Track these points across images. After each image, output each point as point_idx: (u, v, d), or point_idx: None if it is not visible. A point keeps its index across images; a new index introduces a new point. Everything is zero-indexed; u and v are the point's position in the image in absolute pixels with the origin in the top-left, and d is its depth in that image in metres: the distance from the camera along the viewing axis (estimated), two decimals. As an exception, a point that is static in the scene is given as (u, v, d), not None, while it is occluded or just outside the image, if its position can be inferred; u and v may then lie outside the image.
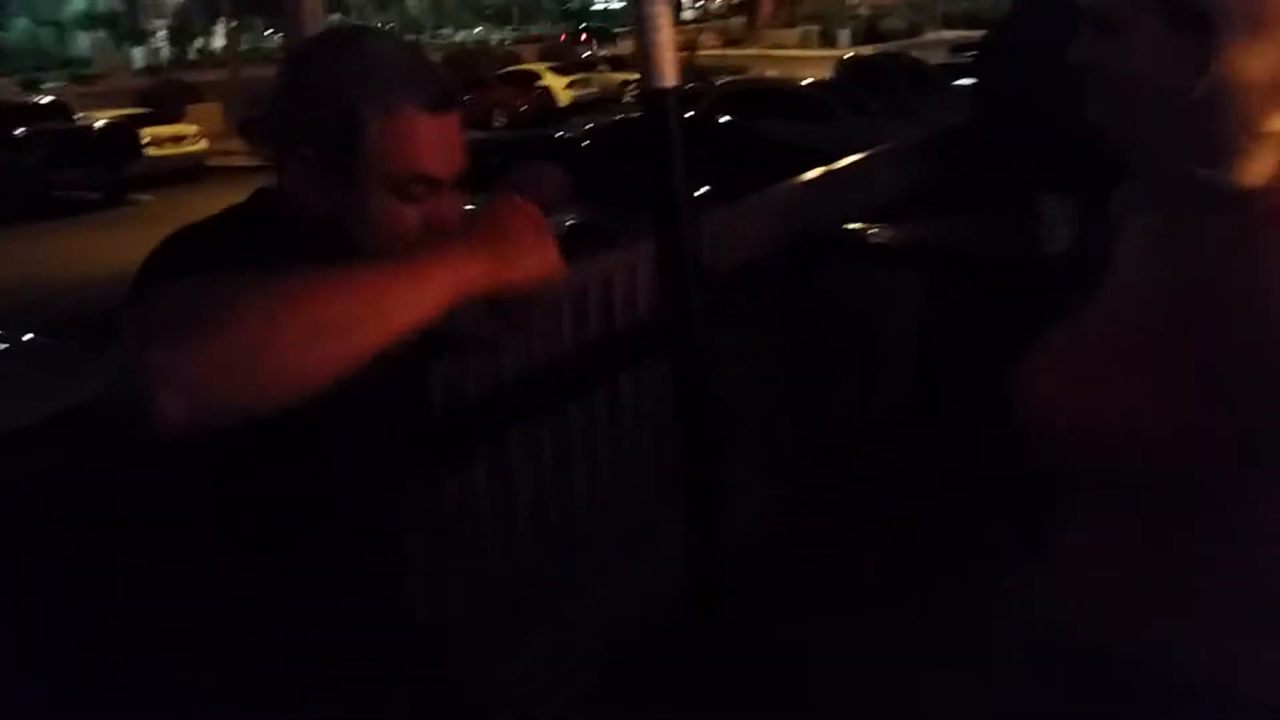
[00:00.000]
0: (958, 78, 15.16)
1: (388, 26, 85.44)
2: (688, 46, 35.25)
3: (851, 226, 4.06)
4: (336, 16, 73.92)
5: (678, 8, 63.99)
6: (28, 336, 5.63)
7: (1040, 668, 1.31)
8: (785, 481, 3.88)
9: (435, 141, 1.24)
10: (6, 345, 5.45)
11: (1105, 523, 1.24)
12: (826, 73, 19.93)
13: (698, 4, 73.81)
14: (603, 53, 35.57)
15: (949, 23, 49.46)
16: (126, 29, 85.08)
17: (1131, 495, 1.18)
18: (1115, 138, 1.18)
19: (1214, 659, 1.15)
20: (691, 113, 14.06)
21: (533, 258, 1.12)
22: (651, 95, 1.72)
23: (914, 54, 24.00)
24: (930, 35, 47.45)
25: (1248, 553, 1.13)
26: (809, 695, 2.77)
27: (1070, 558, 1.30)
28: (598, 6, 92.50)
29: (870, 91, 16.22)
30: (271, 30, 43.71)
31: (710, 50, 35.91)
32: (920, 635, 2.81)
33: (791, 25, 56.63)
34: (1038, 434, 1.24)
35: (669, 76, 1.71)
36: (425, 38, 76.25)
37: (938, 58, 24.13)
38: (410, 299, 1.02)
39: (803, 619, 3.05)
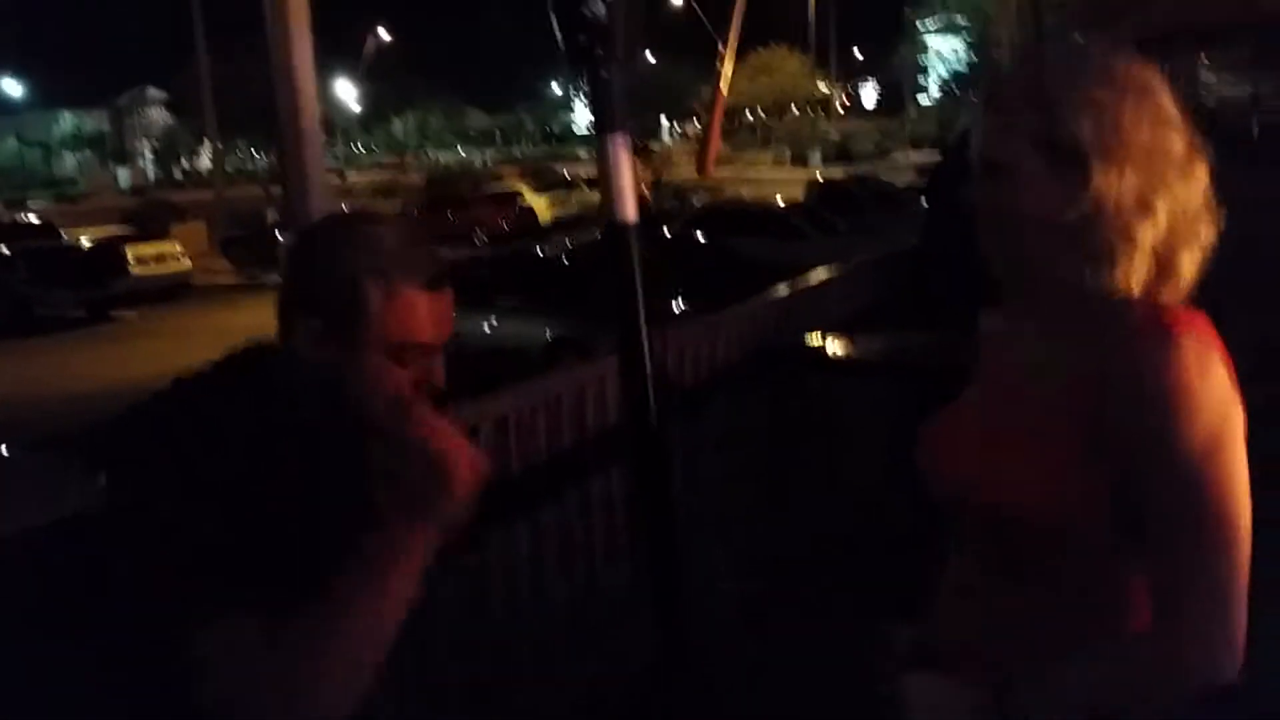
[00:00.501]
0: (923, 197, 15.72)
1: (372, 149, 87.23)
2: (659, 167, 36.21)
3: (811, 340, 4.33)
4: (322, 138, 75.10)
5: (656, 133, 65.82)
6: (4, 450, 5.71)
7: None
8: (751, 576, 4.05)
9: (429, 315, 1.40)
10: (-15, 459, 5.54)
11: (972, 568, 1.43)
12: (798, 191, 20.63)
13: (674, 128, 75.89)
14: (582, 173, 36.48)
15: (916, 144, 51.06)
16: (113, 149, 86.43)
17: (999, 546, 1.37)
18: (1004, 265, 1.36)
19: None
20: (667, 231, 14.59)
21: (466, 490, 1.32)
22: (614, 228, 1.98)
23: (881, 176, 24.86)
24: (898, 156, 48.94)
25: (1098, 597, 1.33)
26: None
27: (945, 605, 1.49)
28: (578, 129, 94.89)
29: (838, 212, 16.79)
30: (256, 151, 44.59)
31: (686, 172, 36.88)
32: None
33: (766, 145, 58.29)
34: (935, 495, 1.44)
35: (630, 213, 1.97)
36: (409, 158, 77.85)
37: (904, 179, 24.91)
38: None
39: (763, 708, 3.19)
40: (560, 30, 1.95)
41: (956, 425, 1.46)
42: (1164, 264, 1.30)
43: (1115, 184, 1.26)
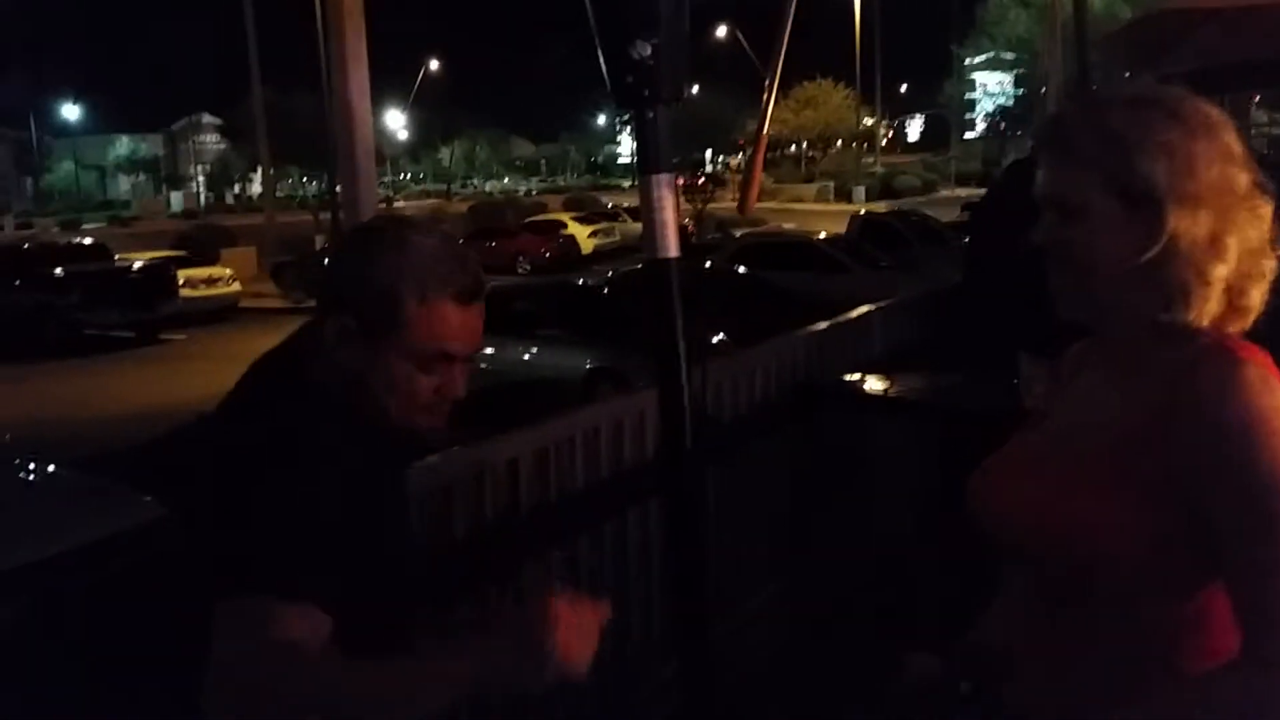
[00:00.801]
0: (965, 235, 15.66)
1: (420, 177, 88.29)
2: (705, 200, 36.32)
3: (849, 378, 4.32)
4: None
5: (702, 164, 66.08)
6: (51, 468, 5.82)
7: None
8: (785, 615, 4.03)
9: (460, 327, 1.45)
10: (34, 477, 5.65)
11: (1035, 602, 1.43)
12: (841, 226, 20.60)
13: (720, 160, 76.18)
14: (624, 204, 36.69)
15: (961, 181, 50.90)
16: (166, 174, 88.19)
17: (1062, 580, 1.38)
18: (1073, 303, 1.39)
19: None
20: (710, 263, 14.62)
21: (570, 660, 1.32)
22: (655, 264, 2.00)
23: (925, 211, 24.78)
24: (943, 192, 48.80)
25: (1168, 632, 1.33)
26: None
27: (999, 625, 1.51)
28: (622, 160, 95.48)
29: (881, 246, 16.75)
30: (307, 178, 45.34)
31: (731, 203, 36.99)
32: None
33: (809, 180, 58.33)
34: (991, 535, 1.45)
35: (672, 249, 1.99)
36: (455, 187, 78.72)
37: (949, 215, 24.81)
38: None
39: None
40: (608, 71, 1.98)
41: (1013, 468, 1.47)
42: (1235, 299, 1.33)
43: (1189, 224, 1.29)
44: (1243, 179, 1.32)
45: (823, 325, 4.70)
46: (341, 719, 1.28)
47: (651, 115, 1.96)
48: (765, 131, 32.65)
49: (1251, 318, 1.35)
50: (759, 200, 44.97)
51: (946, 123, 75.92)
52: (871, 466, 4.30)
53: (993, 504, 1.45)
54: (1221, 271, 1.30)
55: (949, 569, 3.09)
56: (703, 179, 36.67)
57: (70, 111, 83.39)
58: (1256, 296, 1.34)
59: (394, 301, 1.42)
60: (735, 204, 34.29)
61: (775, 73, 28.63)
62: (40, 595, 1.99)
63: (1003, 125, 61.49)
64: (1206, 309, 1.31)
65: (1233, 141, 1.33)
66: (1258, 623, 1.23)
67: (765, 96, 29.23)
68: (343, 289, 1.46)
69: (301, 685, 1.25)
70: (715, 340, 9.09)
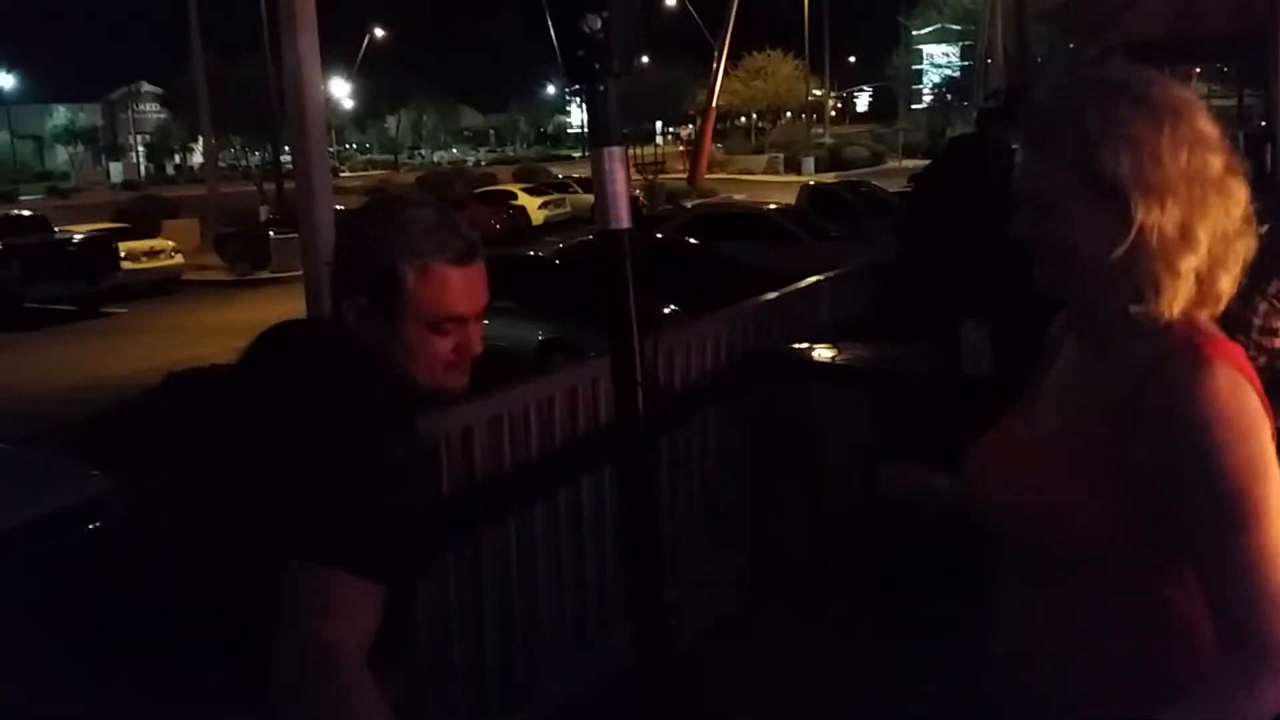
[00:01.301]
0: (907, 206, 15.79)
1: (366, 147, 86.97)
2: (657, 170, 36.29)
3: (797, 346, 4.39)
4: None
5: (652, 135, 65.92)
6: (-2, 444, 5.72)
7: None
8: (736, 573, 4.12)
9: (461, 287, 1.55)
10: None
11: (1031, 590, 1.46)
12: (791, 197, 20.70)
13: (669, 131, 76.00)
14: (575, 174, 36.54)
15: (908, 152, 51.21)
16: (105, 144, 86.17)
17: (1050, 567, 1.40)
18: (1061, 292, 1.40)
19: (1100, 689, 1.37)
20: (661, 234, 14.63)
21: None
22: (608, 235, 2.04)
23: (874, 181, 24.94)
24: (891, 163, 49.09)
25: (1134, 612, 1.35)
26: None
27: (1007, 619, 1.52)
28: (572, 130, 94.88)
29: (830, 217, 16.86)
30: (249, 148, 44.57)
31: (681, 174, 37.01)
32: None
33: (759, 152, 58.39)
34: (980, 519, 1.48)
35: (624, 220, 2.03)
36: (403, 157, 77.74)
37: (897, 185, 25.00)
38: None
39: (752, 692, 3.26)
40: (559, 44, 2.01)
41: (997, 452, 1.49)
42: (1205, 287, 1.32)
43: (1157, 217, 1.28)
44: (1215, 163, 1.30)
45: (772, 295, 4.77)
46: None
47: (602, 88, 1.99)
48: (714, 104, 32.71)
49: (1223, 303, 1.34)
50: (709, 171, 45.05)
51: (894, 94, 76.37)
52: (820, 432, 4.38)
53: (980, 487, 1.49)
54: (1192, 263, 1.29)
55: (890, 534, 3.19)
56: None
57: (4, 80, 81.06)
58: (1227, 283, 1.32)
59: (396, 274, 1.50)
60: (683, 174, 34.36)
61: (724, 45, 28.62)
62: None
63: (949, 96, 61.97)
64: (1177, 299, 1.30)
65: (1204, 124, 1.31)
66: (1229, 624, 1.25)
67: (714, 67, 29.21)
68: (349, 272, 1.55)
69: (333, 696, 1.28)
70: (667, 310, 9.13)
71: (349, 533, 1.35)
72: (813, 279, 5.22)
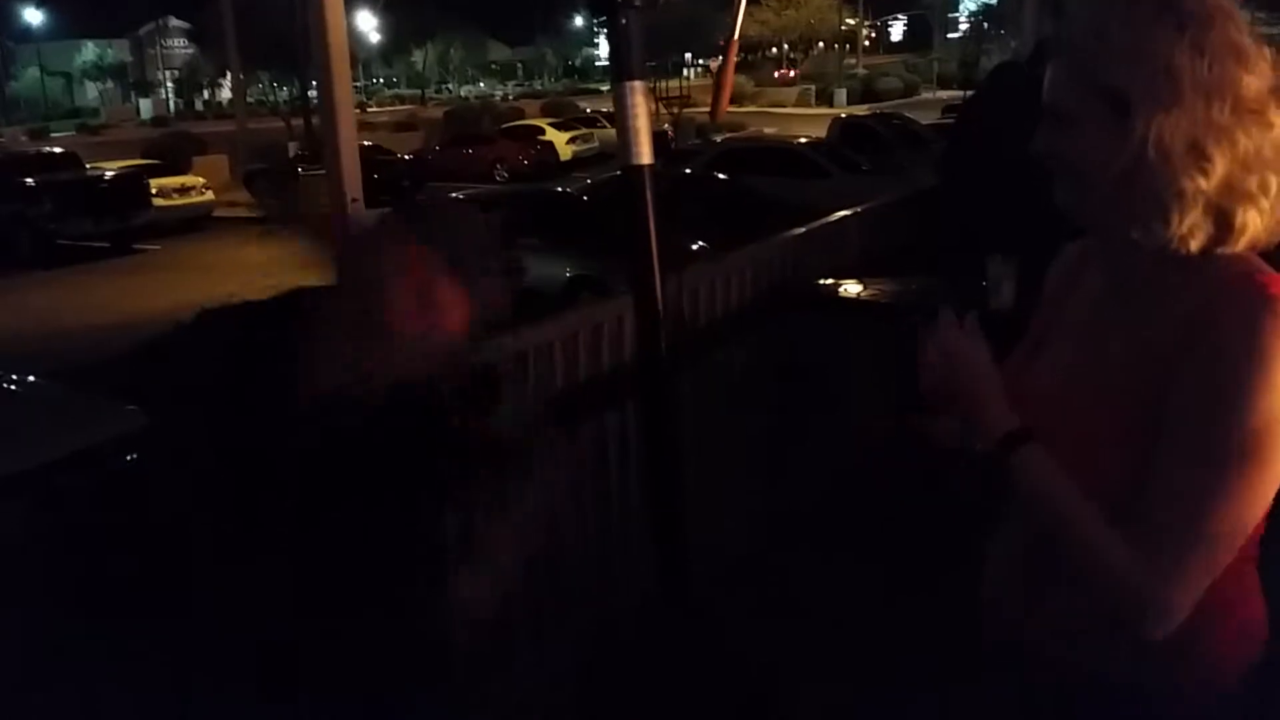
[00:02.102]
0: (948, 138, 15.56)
1: (393, 81, 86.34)
2: (683, 104, 35.90)
3: (824, 282, 4.36)
4: (342, 70, 74.60)
5: (682, 68, 65.01)
6: (31, 379, 5.82)
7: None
8: (760, 511, 4.13)
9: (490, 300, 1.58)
10: (14, 388, 5.66)
11: (1020, 530, 1.43)
12: (822, 130, 20.44)
13: (699, 63, 74.92)
14: (603, 109, 36.19)
15: (943, 83, 50.34)
16: (135, 80, 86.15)
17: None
18: (1078, 216, 1.32)
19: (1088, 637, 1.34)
20: (690, 169, 14.51)
21: None
22: (630, 170, 2.02)
23: (907, 114, 24.55)
24: (925, 95, 48.30)
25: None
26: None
27: (994, 564, 1.50)
28: (601, 63, 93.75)
29: (862, 150, 16.65)
30: (277, 83, 44.38)
31: (709, 108, 36.58)
32: (883, 647, 3.06)
33: (790, 84, 57.56)
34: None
35: (645, 156, 2.01)
36: (430, 92, 77.20)
37: (930, 117, 24.61)
38: None
39: (772, 627, 3.30)
40: (579, -25, 1.97)
41: (1020, 378, 1.43)
42: (1222, 219, 1.21)
43: (1161, 128, 1.19)
44: (1249, 80, 1.19)
45: (799, 230, 4.72)
46: None
47: (624, 21, 1.95)
48: (736, 37, 32.27)
49: (1243, 241, 1.22)
50: (736, 105, 44.42)
51: (929, 23, 74.80)
52: (845, 368, 4.36)
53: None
54: (1202, 184, 1.19)
55: (917, 473, 3.19)
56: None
57: (33, 16, 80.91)
58: (1254, 218, 1.21)
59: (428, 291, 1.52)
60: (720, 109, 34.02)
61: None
62: (28, 505, 2.02)
63: (985, 25, 60.64)
64: (1188, 230, 1.20)
65: (1238, 36, 1.20)
66: (1150, 530, 1.20)
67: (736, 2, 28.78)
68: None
69: None
70: (695, 247, 9.09)
71: None
72: (841, 214, 5.17)
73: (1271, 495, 1.21)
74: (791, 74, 61.32)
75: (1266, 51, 1.22)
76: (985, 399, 1.33)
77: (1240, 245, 1.23)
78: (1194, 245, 1.21)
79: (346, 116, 2.09)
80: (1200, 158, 1.18)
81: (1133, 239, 1.25)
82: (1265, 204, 1.21)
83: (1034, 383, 1.42)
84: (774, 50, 72.71)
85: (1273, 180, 1.21)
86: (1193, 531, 1.19)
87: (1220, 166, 1.18)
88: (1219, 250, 1.22)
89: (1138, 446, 1.24)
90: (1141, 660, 1.29)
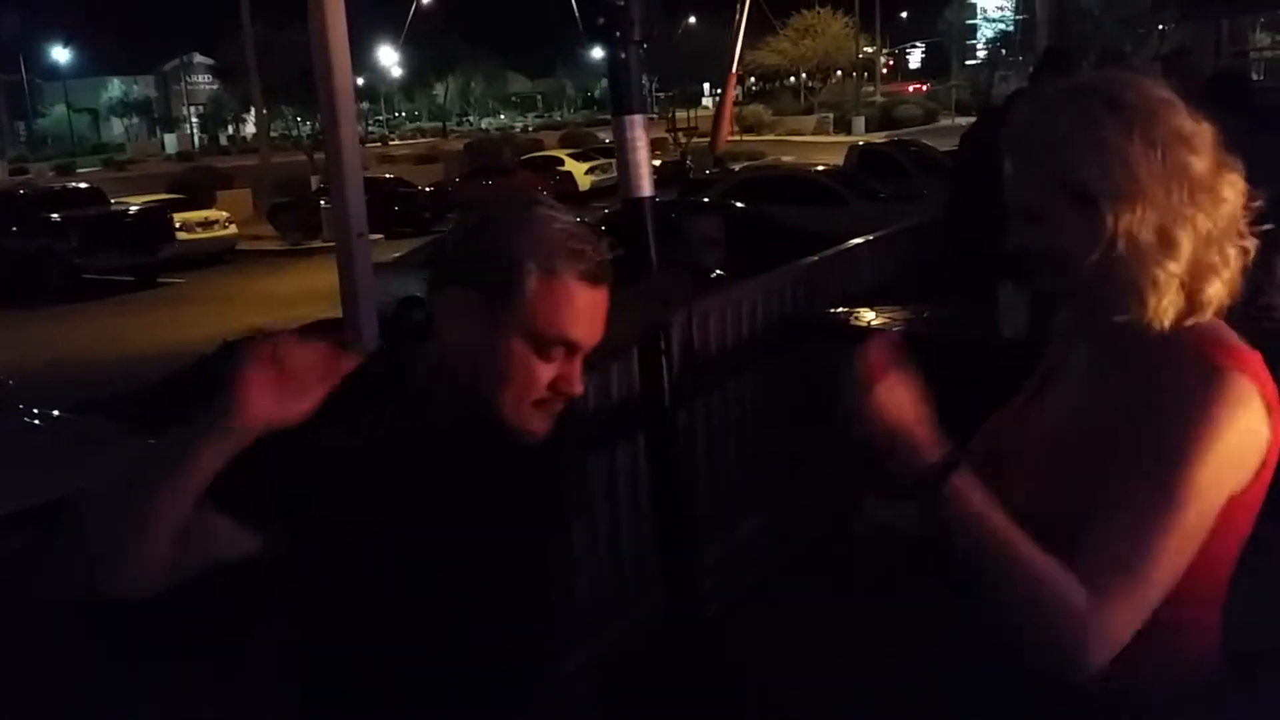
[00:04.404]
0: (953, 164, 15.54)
1: (415, 114, 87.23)
2: (691, 134, 36.15)
3: (835, 310, 4.36)
4: (365, 104, 75.69)
5: (699, 97, 65.45)
6: (56, 413, 5.89)
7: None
8: (771, 538, 4.13)
9: (584, 310, 1.35)
10: (39, 422, 5.74)
11: None
12: (840, 158, 20.49)
13: (716, 93, 75.32)
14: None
15: (961, 110, 50.36)
16: (159, 116, 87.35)
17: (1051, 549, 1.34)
18: (1062, 301, 1.41)
19: None
20: (708, 198, 14.56)
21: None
22: (631, 203, 2.05)
23: (925, 141, 24.59)
24: (944, 122, 48.33)
25: None
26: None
27: None
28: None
29: (879, 178, 16.66)
30: (300, 118, 44.97)
31: (730, 137, 36.75)
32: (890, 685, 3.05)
33: (809, 112, 57.77)
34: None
35: (646, 188, 2.04)
36: (451, 125, 77.93)
37: (948, 144, 24.57)
38: None
39: (783, 658, 3.28)
40: (580, 11, 2.01)
41: (1015, 429, 1.48)
42: (1192, 295, 1.28)
43: (1130, 223, 1.25)
44: (1196, 163, 1.27)
45: (810, 259, 4.74)
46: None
47: (623, 56, 1.99)
48: (734, 70, 32.48)
49: (1212, 310, 1.30)
50: (753, 134, 44.55)
51: (947, 50, 74.97)
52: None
53: (996, 466, 1.45)
54: (1173, 269, 1.26)
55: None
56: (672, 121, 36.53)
57: (60, 54, 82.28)
58: (1218, 288, 1.29)
59: (519, 271, 1.32)
60: (729, 135, 34.21)
61: (744, 6, 28.32)
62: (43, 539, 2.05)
63: (1003, 51, 60.71)
64: (1163, 308, 1.27)
65: (1184, 124, 1.28)
66: (1095, 572, 1.21)
67: (734, 27, 28.93)
68: (463, 262, 1.37)
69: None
70: (712, 276, 9.11)
71: None
72: (853, 242, 5.18)
73: (1195, 549, 1.24)
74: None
75: (1206, 127, 1.30)
76: (912, 425, 1.30)
77: (1208, 315, 1.30)
78: (1168, 321, 1.28)
79: (351, 152, 2.11)
80: (1168, 244, 1.26)
81: (1114, 320, 1.31)
82: (1227, 274, 1.30)
83: (1031, 423, 1.46)
84: (791, 79, 72.94)
85: (1230, 250, 1.29)
86: (1130, 567, 1.21)
87: (1186, 249, 1.26)
88: (1188, 322, 1.29)
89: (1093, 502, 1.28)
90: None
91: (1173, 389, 1.25)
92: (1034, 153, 1.32)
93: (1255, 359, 1.28)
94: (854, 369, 1.33)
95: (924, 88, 61.86)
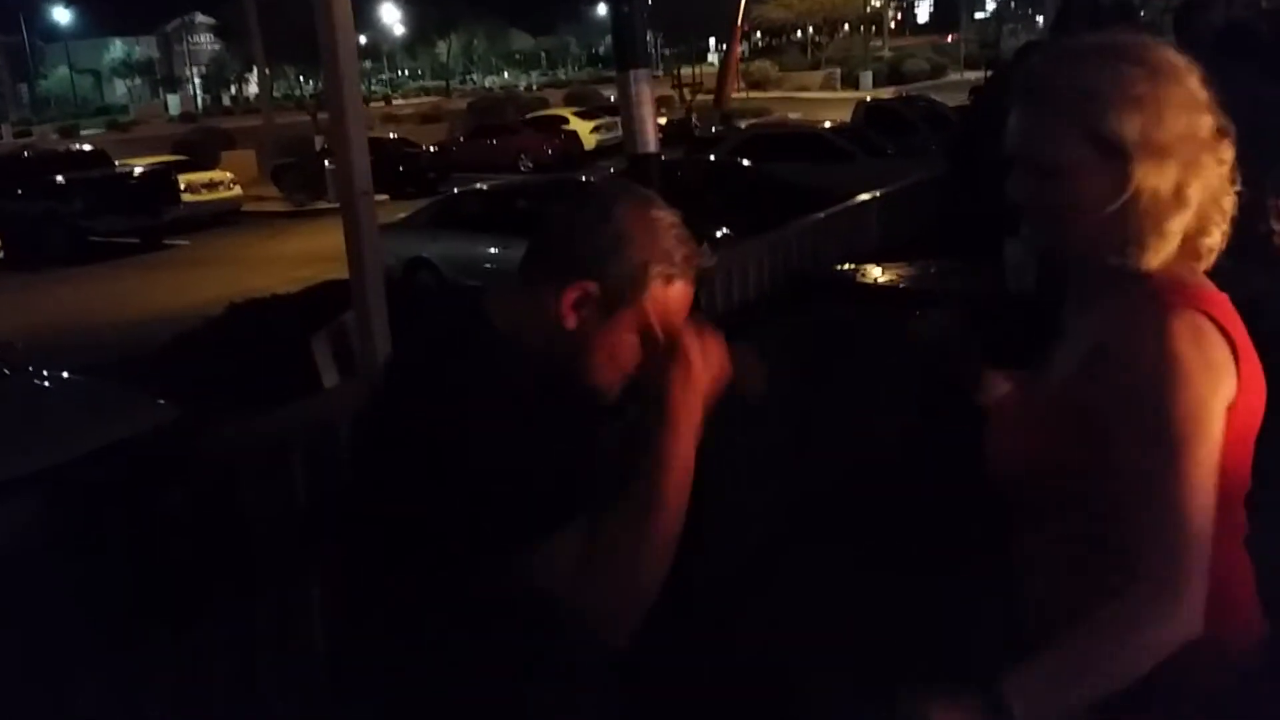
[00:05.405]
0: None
1: (418, 73, 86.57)
2: (695, 90, 35.88)
3: (843, 268, 4.35)
4: (367, 63, 75.08)
5: (705, 54, 64.84)
6: (65, 375, 5.91)
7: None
8: (775, 498, 4.14)
9: (684, 304, 1.49)
10: (48, 384, 5.76)
11: (1040, 539, 1.47)
12: (848, 114, 20.33)
13: (722, 49, 74.63)
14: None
15: (970, 65, 49.85)
16: (162, 76, 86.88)
17: (1043, 512, 1.44)
18: (1057, 252, 1.42)
19: None
20: (714, 156, 14.48)
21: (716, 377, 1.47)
22: (636, 159, 2.04)
23: (933, 96, 24.37)
24: (953, 76, 47.89)
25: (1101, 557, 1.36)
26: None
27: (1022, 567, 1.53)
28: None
29: (887, 134, 16.53)
30: (303, 77, 44.64)
31: (735, 94, 36.46)
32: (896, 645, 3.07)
33: (815, 68, 57.25)
34: (991, 471, 1.51)
35: (651, 144, 2.02)
36: (454, 83, 77.37)
37: (957, 99, 24.38)
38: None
39: (783, 620, 3.30)
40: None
41: (1011, 401, 1.56)
42: (1191, 243, 1.35)
43: (1155, 177, 1.30)
44: (1206, 124, 1.33)
45: (818, 216, 4.72)
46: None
47: (627, 10, 1.97)
48: (739, 24, 32.15)
49: (1214, 257, 1.37)
50: (760, 90, 44.19)
51: (956, 2, 74.10)
52: (863, 354, 4.35)
53: (989, 447, 1.52)
54: (1180, 223, 1.32)
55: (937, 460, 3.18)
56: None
57: (61, 15, 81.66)
58: (1217, 237, 1.36)
59: (645, 274, 1.44)
60: (734, 92, 33.95)
61: None
62: (60, 499, 2.06)
63: (1011, 4, 59.99)
64: (1158, 255, 1.33)
65: (1197, 88, 1.34)
66: (1123, 562, 1.26)
67: None
68: (589, 258, 1.45)
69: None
70: (719, 234, 9.08)
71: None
72: (860, 198, 5.15)
73: (1215, 466, 1.27)
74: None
75: (1210, 92, 1.36)
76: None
77: (1208, 262, 1.38)
78: (1156, 265, 1.34)
79: (355, 111, 2.09)
80: (1182, 197, 1.31)
81: (1099, 265, 1.36)
82: (1225, 224, 1.37)
83: (1022, 400, 1.54)
84: (798, 34, 72.20)
85: (1226, 203, 1.37)
86: (1171, 523, 1.25)
87: (1195, 201, 1.32)
88: (1189, 266, 1.36)
89: (1072, 453, 1.35)
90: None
91: (1134, 328, 1.31)
92: (1062, 104, 1.34)
93: (1220, 300, 1.34)
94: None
95: (950, 38, 61.07)
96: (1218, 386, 1.28)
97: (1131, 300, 1.33)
